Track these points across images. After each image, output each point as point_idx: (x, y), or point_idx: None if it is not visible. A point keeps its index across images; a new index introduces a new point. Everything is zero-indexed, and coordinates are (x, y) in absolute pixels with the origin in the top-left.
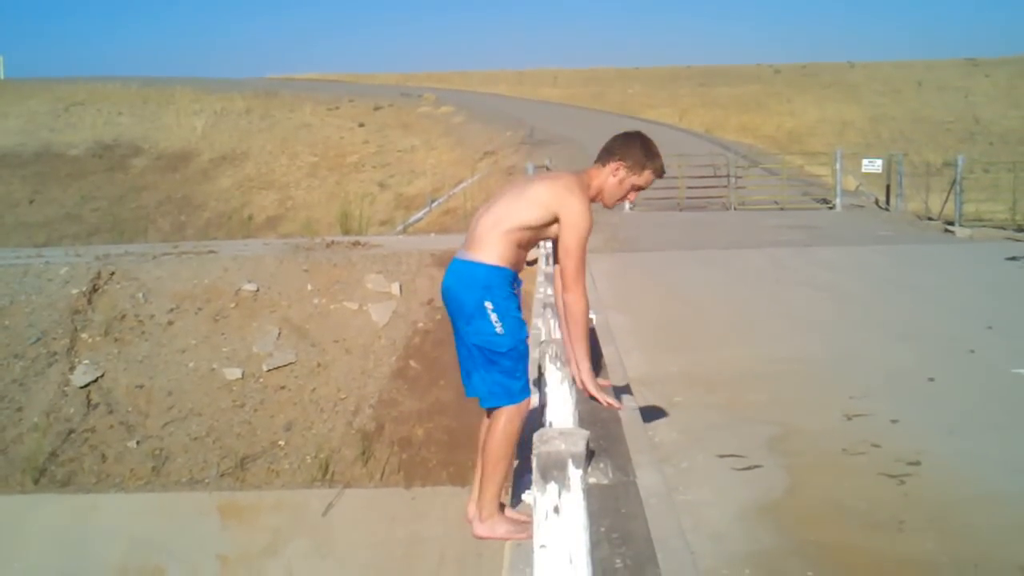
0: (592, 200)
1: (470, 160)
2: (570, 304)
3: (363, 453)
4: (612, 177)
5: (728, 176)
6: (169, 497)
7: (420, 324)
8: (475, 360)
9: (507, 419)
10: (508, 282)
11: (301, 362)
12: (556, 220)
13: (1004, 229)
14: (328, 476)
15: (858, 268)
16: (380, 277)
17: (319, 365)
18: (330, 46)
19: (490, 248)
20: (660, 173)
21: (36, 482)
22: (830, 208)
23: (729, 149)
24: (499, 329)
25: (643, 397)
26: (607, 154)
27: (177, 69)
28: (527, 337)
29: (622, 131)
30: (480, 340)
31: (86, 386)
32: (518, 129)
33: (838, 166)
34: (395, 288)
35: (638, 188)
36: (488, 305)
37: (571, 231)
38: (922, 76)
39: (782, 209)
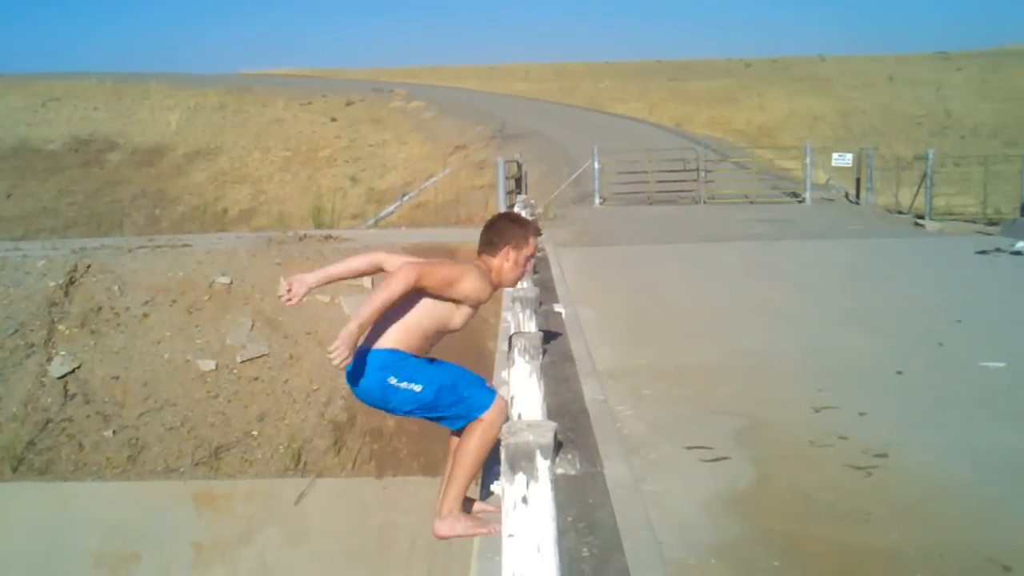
0: (495, 287)
1: (441, 154)
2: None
3: (335, 443)
4: (506, 263)
5: (698, 170)
6: (145, 486)
7: None
8: (428, 417)
9: (484, 427)
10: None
11: (274, 354)
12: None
13: (975, 223)
14: (301, 466)
15: (828, 262)
16: None
17: (292, 357)
18: (302, 42)
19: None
20: (538, 233)
21: (15, 470)
22: (800, 202)
23: (699, 143)
24: (417, 388)
25: (611, 390)
26: (491, 246)
27: (150, 65)
28: (439, 368)
29: (489, 220)
30: (413, 409)
31: (63, 377)
32: (489, 123)
33: (808, 160)
34: (366, 281)
35: (529, 257)
36: (392, 380)
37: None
38: (893, 70)
39: (752, 203)
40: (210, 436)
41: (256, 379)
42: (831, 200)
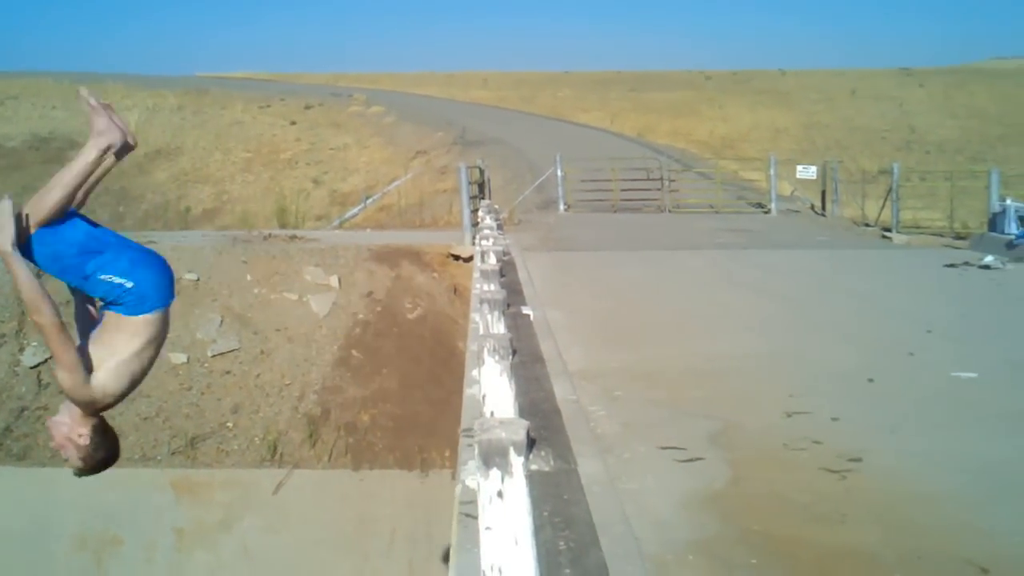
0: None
1: (403, 159)
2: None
3: (310, 436)
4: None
5: (662, 179)
6: (123, 472)
7: (360, 315)
8: None
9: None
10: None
11: (245, 349)
12: None
13: (942, 236)
14: (277, 457)
15: (797, 271)
16: (318, 270)
17: (262, 352)
18: (256, 45)
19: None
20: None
21: None
22: (766, 213)
23: (662, 153)
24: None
25: (583, 390)
26: None
27: (103, 65)
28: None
29: None
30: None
31: (36, 366)
32: (449, 130)
33: (772, 171)
34: (334, 280)
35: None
36: None
37: None
38: (856, 85)
39: (717, 212)
40: (185, 427)
41: (228, 373)
42: (797, 211)
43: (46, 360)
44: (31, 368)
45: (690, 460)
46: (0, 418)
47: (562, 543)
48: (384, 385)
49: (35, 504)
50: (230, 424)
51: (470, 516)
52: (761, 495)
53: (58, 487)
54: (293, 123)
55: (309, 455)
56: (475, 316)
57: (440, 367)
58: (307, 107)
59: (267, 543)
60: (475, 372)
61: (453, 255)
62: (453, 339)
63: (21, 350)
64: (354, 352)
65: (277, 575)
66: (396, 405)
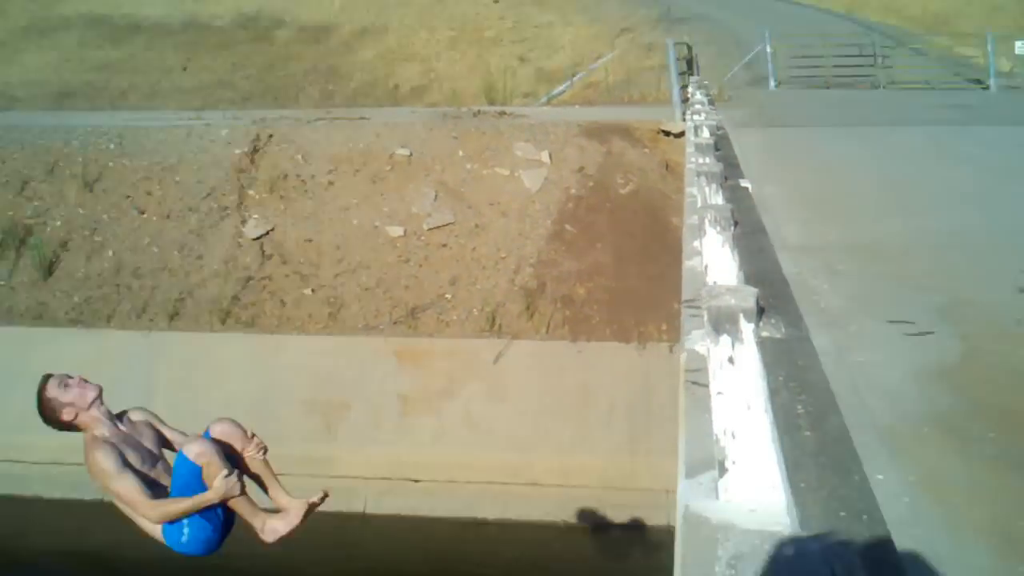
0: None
1: (607, 36)
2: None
3: (527, 308)
4: (80, 415)
5: (874, 55)
6: (347, 340)
7: (572, 191)
8: None
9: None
10: None
11: (459, 223)
12: None
13: None
14: (495, 328)
15: (1019, 146)
16: (529, 146)
17: (477, 226)
18: None
19: None
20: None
21: (223, 322)
22: (984, 88)
23: (873, 29)
24: None
25: (804, 264)
26: (59, 423)
27: None
28: None
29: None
30: None
31: (258, 238)
32: (653, 6)
33: (990, 47)
34: (544, 156)
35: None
36: None
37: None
38: None
39: (933, 89)
40: (405, 297)
41: (444, 246)
42: (1017, 88)
43: (267, 232)
44: (254, 240)
45: (919, 334)
46: (229, 287)
47: (800, 407)
48: (598, 259)
49: (263, 369)
50: (448, 296)
51: (698, 384)
52: (996, 370)
53: (286, 353)
54: (496, 0)
55: (527, 326)
56: (692, 189)
57: (654, 242)
58: None
59: (489, 410)
60: (696, 243)
61: (663, 131)
62: (666, 214)
63: (243, 222)
64: (567, 226)
65: (499, 440)
66: (611, 279)
